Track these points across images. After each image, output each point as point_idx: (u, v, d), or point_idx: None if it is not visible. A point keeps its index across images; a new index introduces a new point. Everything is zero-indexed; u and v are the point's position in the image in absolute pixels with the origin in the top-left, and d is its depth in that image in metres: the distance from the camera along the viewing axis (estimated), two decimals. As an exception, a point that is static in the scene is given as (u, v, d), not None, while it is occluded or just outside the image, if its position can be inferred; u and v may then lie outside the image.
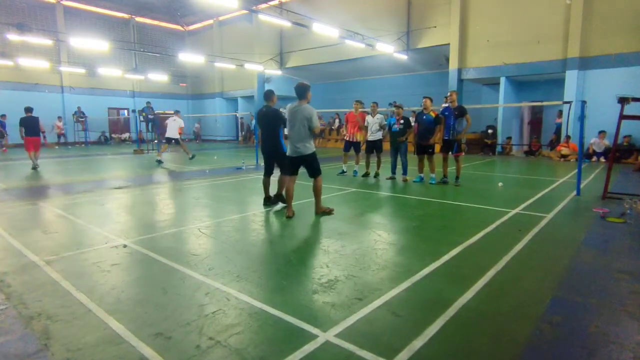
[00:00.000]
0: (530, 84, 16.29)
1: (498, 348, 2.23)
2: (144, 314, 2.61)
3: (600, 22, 12.75)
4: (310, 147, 5.31)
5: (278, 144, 5.96)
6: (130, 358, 2.12)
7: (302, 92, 5.25)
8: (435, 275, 3.24)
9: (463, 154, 8.11)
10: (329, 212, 5.47)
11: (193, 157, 12.93)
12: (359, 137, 9.06)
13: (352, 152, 9.29)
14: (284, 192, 5.78)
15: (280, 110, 5.96)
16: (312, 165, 5.39)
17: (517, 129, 16.69)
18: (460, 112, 7.81)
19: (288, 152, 5.44)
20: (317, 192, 5.45)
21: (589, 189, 7.25)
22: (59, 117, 21.23)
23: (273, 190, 6.14)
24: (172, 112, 13.57)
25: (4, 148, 17.43)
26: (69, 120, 22.43)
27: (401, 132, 8.39)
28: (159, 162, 12.31)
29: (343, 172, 9.41)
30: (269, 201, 6.05)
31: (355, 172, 9.28)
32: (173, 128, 12.54)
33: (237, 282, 3.12)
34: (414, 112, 17.59)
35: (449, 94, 8.17)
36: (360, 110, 9.20)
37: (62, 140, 21.40)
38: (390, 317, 2.57)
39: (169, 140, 12.60)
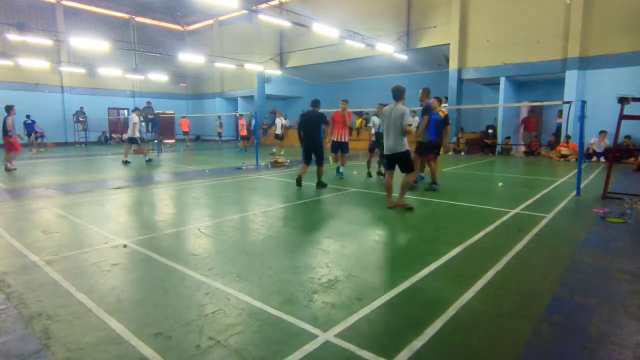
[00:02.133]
0: (530, 84, 16.29)
1: (498, 348, 2.23)
2: (144, 314, 2.61)
3: (600, 22, 12.75)
4: (404, 145, 5.61)
5: (318, 139, 7.53)
6: (130, 358, 2.12)
7: (399, 93, 5.61)
8: (435, 275, 3.24)
9: (432, 157, 7.43)
10: (408, 207, 5.60)
11: (127, 162, 12.04)
12: (346, 137, 8.70)
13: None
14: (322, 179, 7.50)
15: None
16: (405, 163, 5.71)
17: (517, 129, 16.69)
18: (424, 112, 7.21)
19: (385, 151, 5.84)
20: (403, 186, 5.74)
21: (589, 189, 7.24)
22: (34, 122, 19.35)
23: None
24: (133, 110, 13.09)
25: (35, 148, 18.44)
26: (69, 120, 22.45)
27: None
28: (149, 161, 12.29)
29: (339, 173, 9.04)
30: (299, 184, 7.45)
31: (340, 173, 8.96)
32: (131, 127, 12.33)
33: (237, 282, 3.12)
34: (413, 112, 17.65)
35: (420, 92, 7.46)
36: (347, 110, 8.74)
37: (39, 141, 19.69)
38: (390, 317, 2.58)
39: (133, 140, 12.42)
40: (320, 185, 7.49)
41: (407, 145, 5.64)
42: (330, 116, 8.54)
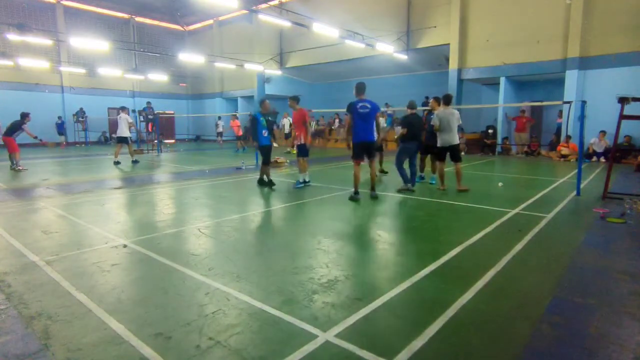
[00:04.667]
0: (530, 84, 16.28)
1: (498, 348, 2.23)
2: (144, 314, 2.61)
3: (600, 22, 12.75)
4: (457, 139, 7.08)
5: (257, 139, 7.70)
6: (130, 358, 2.12)
7: (450, 99, 7.14)
8: (435, 275, 3.24)
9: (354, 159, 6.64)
10: (466, 190, 6.88)
11: (136, 162, 12.28)
12: (303, 139, 7.71)
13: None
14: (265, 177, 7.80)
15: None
16: (457, 152, 7.14)
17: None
18: (347, 110, 6.57)
19: (439, 143, 7.16)
20: (459, 174, 7.06)
21: (589, 189, 7.24)
22: None
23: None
24: (121, 109, 12.58)
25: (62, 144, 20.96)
26: (69, 120, 22.47)
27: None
28: (117, 163, 11.95)
29: (306, 182, 7.82)
30: (262, 183, 7.76)
31: (300, 182, 7.73)
32: (123, 127, 11.98)
33: (237, 282, 3.12)
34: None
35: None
36: (297, 107, 7.83)
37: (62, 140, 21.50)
38: (390, 317, 2.58)
39: (120, 139, 12.17)
40: (268, 182, 7.76)
41: (458, 139, 7.10)
42: (292, 118, 8.12)
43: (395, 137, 7.88)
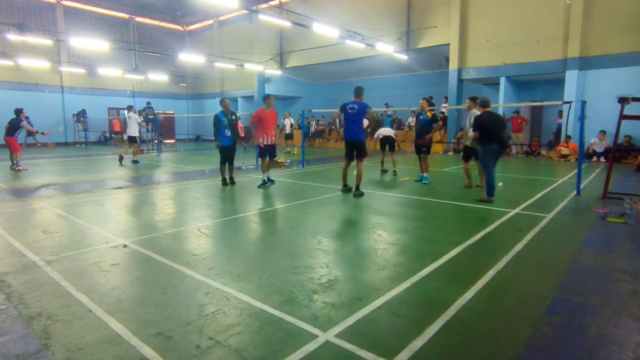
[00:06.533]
0: (530, 84, 16.28)
1: (498, 348, 2.23)
2: (144, 314, 2.61)
3: (600, 22, 12.75)
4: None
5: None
6: (130, 358, 2.12)
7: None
8: (435, 275, 3.24)
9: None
10: (472, 187, 7.20)
11: (136, 162, 12.33)
12: (272, 140, 7.52)
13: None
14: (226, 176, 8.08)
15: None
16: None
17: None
18: (340, 109, 6.87)
19: (469, 143, 7.20)
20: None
21: (589, 189, 7.24)
22: None
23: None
24: (128, 108, 12.69)
25: (39, 144, 19.70)
26: (69, 120, 22.47)
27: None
28: (135, 162, 12.22)
29: (265, 183, 7.61)
30: (226, 182, 7.98)
31: (264, 181, 7.60)
32: (132, 125, 12.17)
33: (237, 282, 3.12)
34: (413, 112, 17.68)
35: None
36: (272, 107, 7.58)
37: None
38: (390, 317, 2.57)
39: (132, 138, 12.38)
40: (231, 181, 8.09)
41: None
42: (255, 115, 7.42)
43: (468, 143, 7.42)
